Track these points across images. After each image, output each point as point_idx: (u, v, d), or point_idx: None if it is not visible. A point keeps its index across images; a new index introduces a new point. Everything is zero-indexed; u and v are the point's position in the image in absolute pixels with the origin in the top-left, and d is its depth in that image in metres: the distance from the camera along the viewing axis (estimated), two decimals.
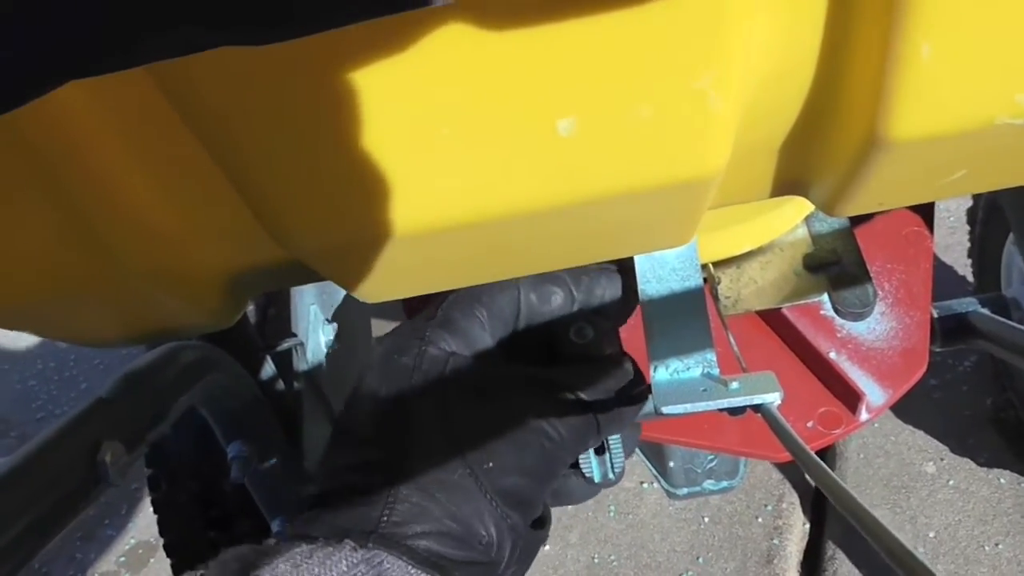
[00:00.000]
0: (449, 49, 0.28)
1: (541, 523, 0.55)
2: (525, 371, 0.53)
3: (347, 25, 0.20)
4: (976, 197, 1.43)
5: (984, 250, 1.44)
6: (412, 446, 0.47)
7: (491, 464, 0.47)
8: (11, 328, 0.42)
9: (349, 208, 0.33)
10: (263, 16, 0.18)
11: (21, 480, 0.35)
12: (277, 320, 0.97)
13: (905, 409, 1.63)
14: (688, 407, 0.54)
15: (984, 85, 0.31)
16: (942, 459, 1.59)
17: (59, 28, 0.18)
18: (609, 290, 0.59)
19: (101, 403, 0.43)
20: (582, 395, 0.53)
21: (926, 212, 0.88)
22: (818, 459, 0.47)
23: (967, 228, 1.52)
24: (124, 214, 0.36)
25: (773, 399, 0.52)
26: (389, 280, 0.41)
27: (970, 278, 1.59)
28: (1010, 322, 0.93)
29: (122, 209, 0.36)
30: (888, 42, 0.29)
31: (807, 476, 1.61)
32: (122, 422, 0.42)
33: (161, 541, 1.05)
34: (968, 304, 0.97)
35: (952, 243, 1.79)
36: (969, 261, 1.54)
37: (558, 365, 0.56)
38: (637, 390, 0.57)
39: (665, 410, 0.54)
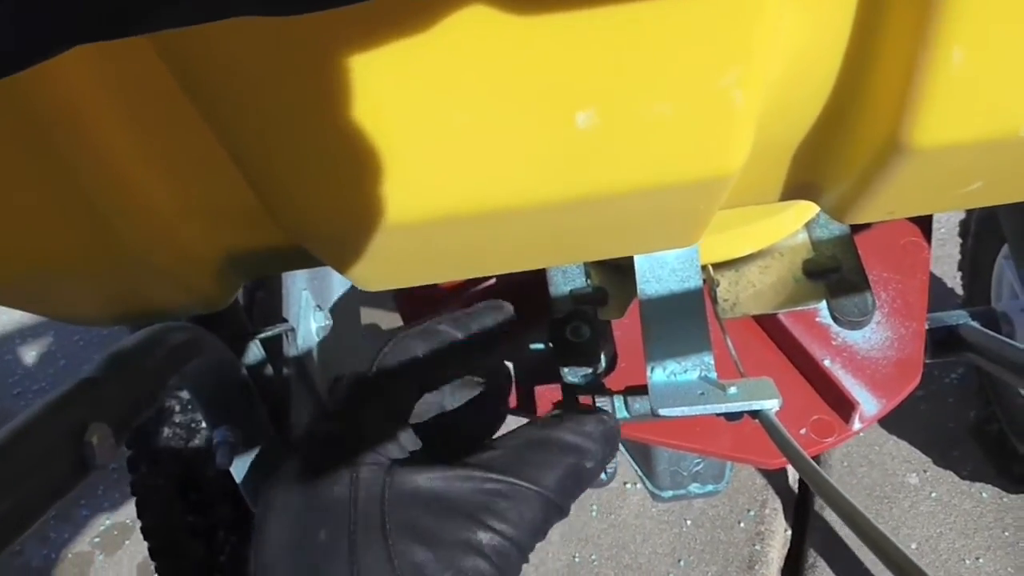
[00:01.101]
0: (467, 33, 0.27)
1: None
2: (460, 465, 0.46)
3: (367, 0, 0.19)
4: (969, 210, 1.44)
5: (975, 263, 1.45)
6: None
7: None
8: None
9: (355, 193, 0.32)
10: None
11: (3, 462, 0.34)
12: (265, 303, 0.96)
13: (890, 420, 1.63)
14: (686, 410, 0.53)
15: (1011, 94, 0.30)
16: (925, 471, 1.59)
17: None
18: (491, 319, 0.52)
19: (87, 383, 0.41)
20: (532, 483, 0.45)
21: (924, 223, 0.88)
22: (816, 466, 0.47)
23: (958, 240, 1.53)
24: (121, 188, 0.35)
25: (772, 406, 0.52)
26: (392, 269, 0.40)
27: (958, 290, 1.59)
28: (1000, 336, 0.93)
29: (119, 183, 0.35)
30: (918, 45, 0.29)
31: (794, 486, 1.62)
32: (108, 403, 0.41)
33: (137, 523, 1.04)
34: (959, 316, 0.97)
35: (942, 255, 1.80)
36: (958, 273, 1.55)
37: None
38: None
39: (662, 412, 0.53)
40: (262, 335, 0.74)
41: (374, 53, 0.28)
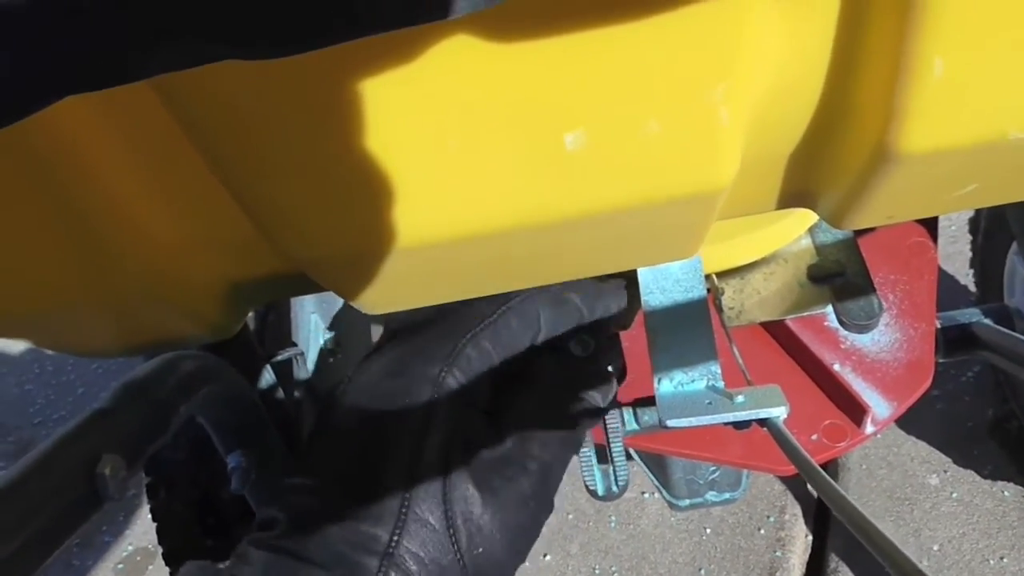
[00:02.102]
0: (455, 61, 0.28)
1: None
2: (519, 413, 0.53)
3: (358, 39, 0.19)
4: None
5: (986, 260, 1.44)
6: (394, 480, 0.47)
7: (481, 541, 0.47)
8: (10, 337, 0.42)
9: (354, 220, 0.33)
10: (270, 30, 0.18)
11: (19, 495, 0.34)
12: (276, 327, 0.97)
13: (908, 420, 1.62)
14: (693, 420, 0.53)
15: (997, 100, 0.30)
16: (945, 471, 1.58)
17: (60, 43, 0.17)
18: (615, 304, 0.58)
19: (99, 415, 0.42)
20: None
21: (930, 223, 0.87)
22: (824, 474, 0.47)
23: (968, 238, 1.52)
24: (124, 224, 0.36)
25: (779, 413, 0.52)
26: (392, 292, 0.41)
27: (971, 288, 1.58)
28: (1013, 333, 0.93)
29: (122, 219, 0.35)
30: (900, 56, 0.29)
31: (813, 491, 1.61)
32: (121, 434, 0.41)
33: (159, 548, 1.04)
34: (971, 315, 0.97)
35: (953, 252, 1.79)
36: (971, 271, 1.54)
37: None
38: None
39: (670, 423, 0.53)
40: (273, 360, 0.74)
41: (367, 84, 0.28)
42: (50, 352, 0.44)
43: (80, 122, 0.31)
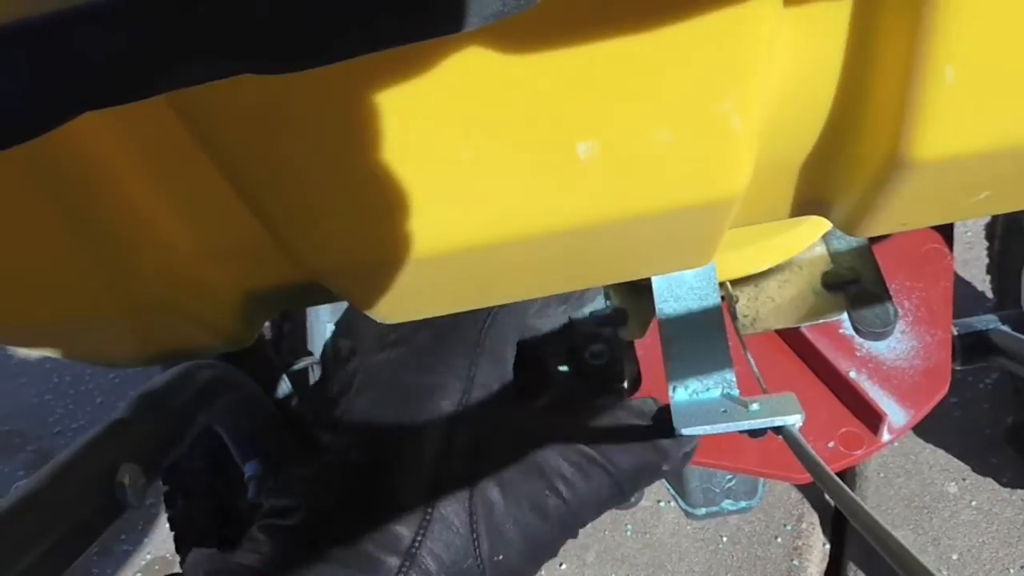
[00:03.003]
0: (469, 73, 0.28)
1: None
2: (551, 425, 0.52)
3: (368, 54, 0.20)
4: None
5: (1003, 266, 1.43)
6: (412, 477, 0.46)
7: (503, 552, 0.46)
8: (31, 347, 0.43)
9: (369, 230, 0.33)
10: (282, 46, 0.18)
11: (40, 505, 0.35)
12: (293, 336, 0.97)
13: (925, 428, 1.61)
14: (708, 429, 0.53)
15: (1009, 107, 0.30)
16: (964, 479, 1.57)
17: (75, 61, 0.18)
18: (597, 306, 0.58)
19: (118, 425, 0.42)
20: (606, 459, 0.51)
21: (946, 229, 0.87)
22: (840, 482, 0.46)
23: (985, 243, 1.51)
24: (142, 235, 0.36)
25: (794, 421, 0.52)
26: (406, 301, 0.41)
27: (989, 294, 1.57)
28: None
29: (140, 230, 0.36)
30: (911, 65, 0.29)
31: (829, 499, 1.59)
32: (139, 444, 0.42)
33: (177, 557, 1.05)
34: (988, 321, 0.96)
35: (970, 258, 1.78)
36: (987, 277, 1.53)
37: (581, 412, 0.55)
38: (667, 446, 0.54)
39: (685, 432, 0.53)
40: (290, 369, 0.75)
41: (380, 96, 0.29)
42: (69, 362, 0.45)
43: (96, 133, 0.32)
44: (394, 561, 0.43)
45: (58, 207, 0.34)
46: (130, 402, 0.46)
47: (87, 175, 0.33)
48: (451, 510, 0.45)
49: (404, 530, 0.44)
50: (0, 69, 0.18)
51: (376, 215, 0.33)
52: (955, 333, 0.86)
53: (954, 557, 1.45)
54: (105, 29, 0.18)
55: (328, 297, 0.43)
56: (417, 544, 0.44)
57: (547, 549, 0.49)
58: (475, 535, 0.45)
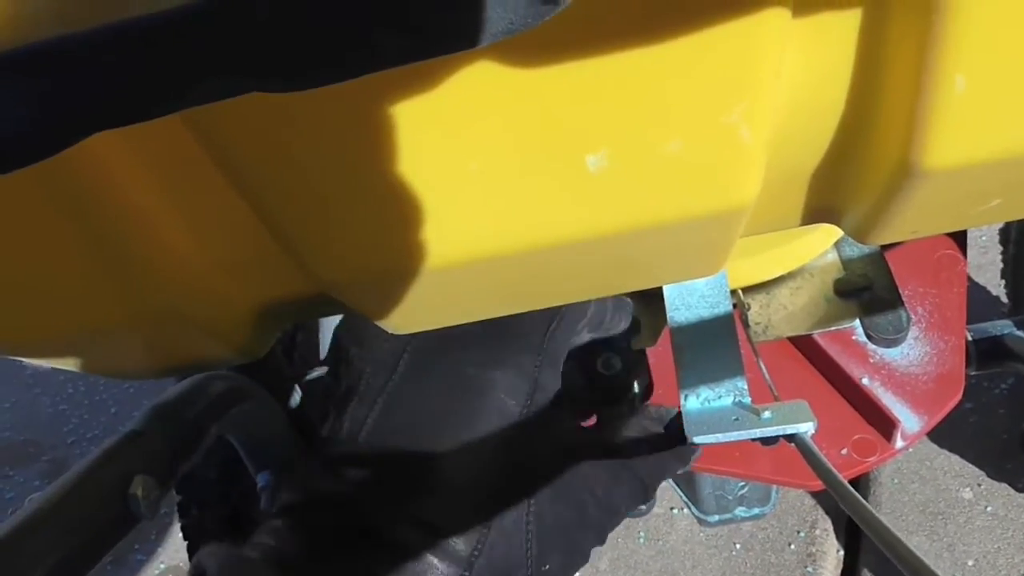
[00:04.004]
0: (479, 85, 0.28)
1: None
2: (587, 432, 0.53)
3: (379, 71, 0.20)
4: None
5: (1018, 270, 1.42)
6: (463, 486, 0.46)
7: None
8: (46, 360, 0.43)
9: (380, 243, 0.33)
10: (293, 65, 0.19)
11: (55, 516, 0.35)
12: (305, 345, 0.98)
13: (940, 433, 1.60)
14: (720, 437, 0.53)
15: (1021, 115, 0.30)
16: (979, 484, 1.56)
17: (86, 82, 0.18)
18: (623, 321, 0.59)
19: (132, 436, 0.43)
20: (634, 465, 0.53)
21: (959, 235, 0.87)
22: (853, 490, 0.46)
23: (1000, 248, 1.50)
24: (154, 248, 0.36)
25: (807, 429, 0.51)
26: (418, 312, 0.41)
27: (1004, 299, 1.56)
28: None
29: (152, 243, 0.36)
30: (921, 74, 0.29)
31: (842, 507, 1.57)
32: (152, 456, 0.42)
33: None
34: (1003, 326, 0.95)
35: (984, 263, 1.77)
36: (1002, 281, 1.52)
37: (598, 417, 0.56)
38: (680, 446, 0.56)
39: (697, 440, 0.53)
40: (301, 379, 0.75)
41: (391, 109, 0.29)
42: (83, 374, 0.45)
43: (109, 148, 0.32)
44: (451, 570, 0.42)
45: (71, 221, 0.34)
46: (144, 414, 0.46)
47: (100, 189, 0.33)
48: (510, 518, 0.45)
49: (460, 541, 0.43)
50: (10, 92, 0.18)
51: (388, 227, 0.33)
52: (969, 338, 0.86)
53: (969, 563, 1.44)
54: (114, 50, 0.18)
55: (340, 309, 0.43)
56: (476, 554, 0.43)
57: (584, 557, 0.51)
58: (528, 544, 0.46)
